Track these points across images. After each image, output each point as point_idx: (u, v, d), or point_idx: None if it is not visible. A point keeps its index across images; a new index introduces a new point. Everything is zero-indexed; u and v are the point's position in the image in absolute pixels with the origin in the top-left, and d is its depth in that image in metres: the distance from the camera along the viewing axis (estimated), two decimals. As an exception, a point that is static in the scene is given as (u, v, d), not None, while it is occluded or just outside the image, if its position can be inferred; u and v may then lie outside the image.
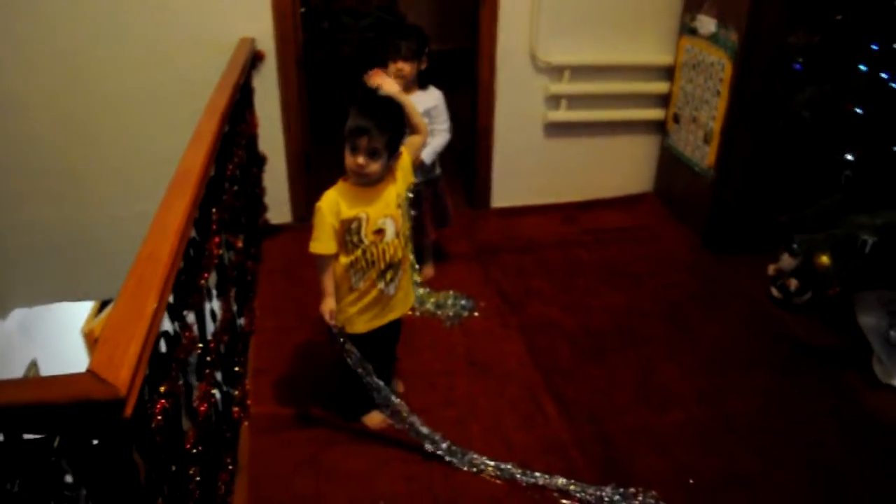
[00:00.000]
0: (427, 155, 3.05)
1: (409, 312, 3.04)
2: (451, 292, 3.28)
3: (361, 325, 2.36)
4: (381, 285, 2.31)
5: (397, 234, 2.28)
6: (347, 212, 2.19)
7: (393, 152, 2.21)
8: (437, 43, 6.40)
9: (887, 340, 2.86)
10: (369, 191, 2.23)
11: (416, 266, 3.19)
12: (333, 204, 2.19)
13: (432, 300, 3.23)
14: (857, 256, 2.64)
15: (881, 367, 2.84)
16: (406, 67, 2.95)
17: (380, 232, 2.24)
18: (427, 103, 3.03)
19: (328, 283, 2.28)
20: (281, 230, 3.84)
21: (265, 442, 2.48)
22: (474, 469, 2.37)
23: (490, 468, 2.36)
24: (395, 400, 2.38)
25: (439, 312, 3.17)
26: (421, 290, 3.24)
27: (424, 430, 2.40)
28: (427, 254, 3.47)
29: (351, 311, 2.33)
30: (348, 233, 2.22)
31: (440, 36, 6.47)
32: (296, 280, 3.39)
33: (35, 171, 3.61)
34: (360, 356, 2.32)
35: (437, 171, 3.24)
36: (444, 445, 2.40)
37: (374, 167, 2.16)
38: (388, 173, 2.26)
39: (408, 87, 2.97)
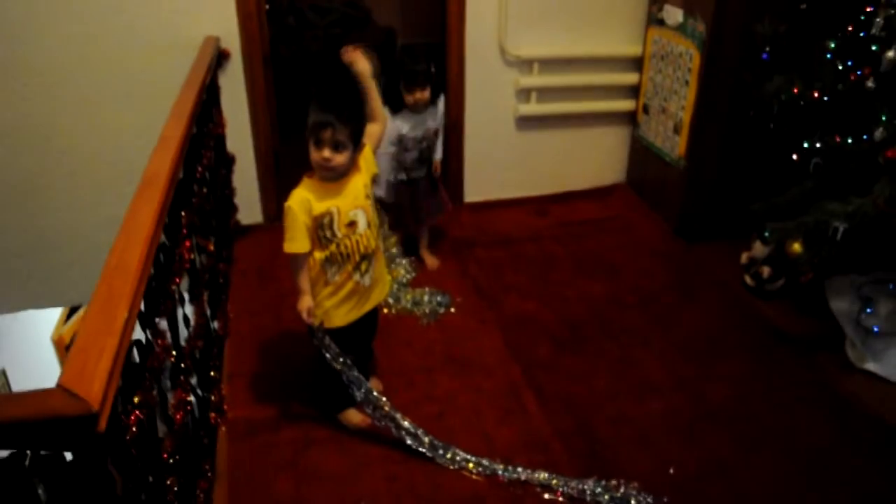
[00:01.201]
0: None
1: (385, 311, 3.03)
2: (426, 289, 3.26)
3: (339, 319, 2.35)
4: (356, 277, 2.30)
5: (369, 225, 2.28)
6: (318, 207, 2.18)
7: (357, 143, 2.20)
8: (404, 37, 6.39)
9: (859, 324, 2.89)
10: (336, 184, 2.22)
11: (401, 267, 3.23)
12: (304, 201, 2.18)
13: (409, 297, 3.21)
14: (828, 243, 2.66)
15: (854, 352, 2.88)
16: (426, 94, 3.05)
17: (352, 224, 2.24)
18: (440, 115, 3.22)
19: (304, 281, 2.26)
20: (252, 230, 3.80)
21: (243, 446, 2.45)
22: (456, 465, 2.36)
23: (472, 464, 2.36)
24: (376, 395, 2.36)
25: (416, 310, 3.15)
26: (396, 287, 3.23)
27: (406, 424, 2.38)
28: (422, 244, 3.55)
29: (328, 304, 2.31)
30: (321, 228, 2.20)
31: (407, 30, 6.44)
32: (269, 281, 3.36)
33: (-2, 177, 3.52)
34: (340, 351, 2.30)
35: (422, 173, 3.30)
36: (426, 440, 2.39)
37: (340, 160, 2.15)
38: (353, 165, 2.24)
39: (425, 107, 3.11)
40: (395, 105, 3.05)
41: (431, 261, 3.53)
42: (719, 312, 3.22)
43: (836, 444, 2.50)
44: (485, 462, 2.36)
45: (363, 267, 2.31)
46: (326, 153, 2.12)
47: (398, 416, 2.38)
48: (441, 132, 3.28)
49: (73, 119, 3.48)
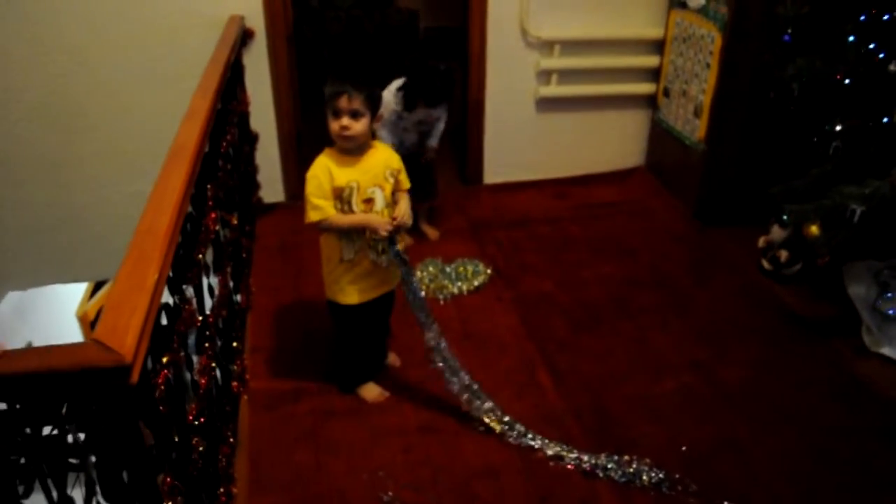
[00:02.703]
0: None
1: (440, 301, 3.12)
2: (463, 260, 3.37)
3: (355, 296, 2.38)
4: (372, 256, 2.33)
5: (387, 205, 2.31)
6: (339, 179, 2.22)
7: (374, 111, 2.23)
8: (428, 20, 6.41)
9: (876, 310, 2.90)
10: (356, 158, 2.26)
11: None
12: (325, 170, 2.22)
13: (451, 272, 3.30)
14: (845, 226, 2.66)
15: (870, 336, 2.89)
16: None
17: (369, 201, 2.27)
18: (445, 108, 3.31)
19: (352, 219, 2.25)
20: (274, 208, 3.85)
21: (264, 416, 2.51)
22: (486, 417, 2.45)
23: (496, 423, 2.45)
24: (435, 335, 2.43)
25: (463, 285, 3.21)
26: (431, 267, 3.31)
27: (465, 377, 2.49)
28: (420, 218, 3.60)
29: (343, 280, 2.35)
30: (339, 200, 2.23)
31: (429, 12, 6.45)
32: (290, 258, 3.41)
33: (27, 154, 3.59)
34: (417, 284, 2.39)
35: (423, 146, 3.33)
36: (475, 387, 2.48)
37: (359, 127, 2.18)
38: (370, 140, 2.29)
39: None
40: (411, 103, 3.14)
41: (432, 232, 3.63)
42: (736, 296, 3.23)
43: (849, 427, 2.52)
44: (515, 423, 2.44)
45: (380, 247, 2.34)
46: (345, 121, 2.16)
47: (451, 358, 2.47)
48: (444, 120, 3.34)
49: (100, 97, 3.54)
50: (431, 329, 2.40)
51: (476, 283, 3.22)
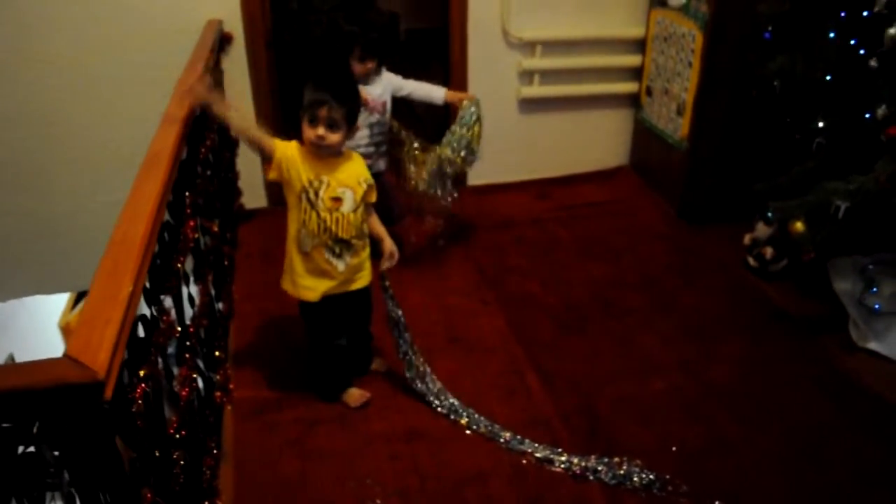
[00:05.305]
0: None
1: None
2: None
3: (307, 292, 2.35)
4: (327, 254, 2.29)
5: (355, 210, 2.26)
6: (308, 172, 2.19)
7: (352, 124, 2.21)
8: (408, 22, 6.37)
9: (862, 304, 2.90)
10: (329, 159, 2.23)
11: None
12: (293, 148, 2.20)
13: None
14: (830, 222, 2.66)
15: (857, 331, 2.89)
16: (367, 66, 2.98)
17: (338, 200, 2.23)
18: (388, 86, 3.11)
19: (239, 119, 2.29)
20: (256, 215, 3.81)
21: (249, 426, 2.47)
22: (469, 427, 2.46)
23: (483, 427, 2.44)
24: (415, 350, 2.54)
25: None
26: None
27: (434, 386, 2.55)
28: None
29: (298, 270, 2.32)
30: (307, 189, 2.19)
31: (410, 14, 6.42)
32: (273, 264, 3.32)
33: (2, 162, 3.53)
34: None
35: (382, 166, 3.21)
36: (447, 402, 2.53)
37: (334, 138, 2.16)
38: (344, 150, 2.27)
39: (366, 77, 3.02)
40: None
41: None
42: (722, 294, 3.22)
43: (837, 422, 2.51)
44: (494, 427, 2.44)
45: (337, 249, 2.29)
46: (321, 131, 2.13)
47: (428, 374, 2.57)
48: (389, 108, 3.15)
49: (76, 104, 3.50)
50: (403, 340, 2.54)
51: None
